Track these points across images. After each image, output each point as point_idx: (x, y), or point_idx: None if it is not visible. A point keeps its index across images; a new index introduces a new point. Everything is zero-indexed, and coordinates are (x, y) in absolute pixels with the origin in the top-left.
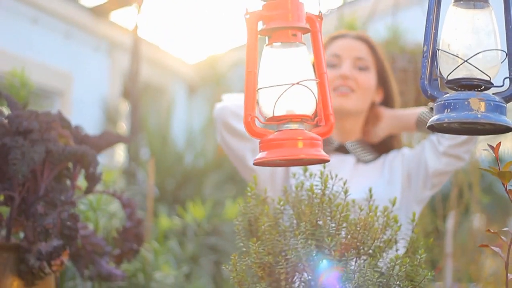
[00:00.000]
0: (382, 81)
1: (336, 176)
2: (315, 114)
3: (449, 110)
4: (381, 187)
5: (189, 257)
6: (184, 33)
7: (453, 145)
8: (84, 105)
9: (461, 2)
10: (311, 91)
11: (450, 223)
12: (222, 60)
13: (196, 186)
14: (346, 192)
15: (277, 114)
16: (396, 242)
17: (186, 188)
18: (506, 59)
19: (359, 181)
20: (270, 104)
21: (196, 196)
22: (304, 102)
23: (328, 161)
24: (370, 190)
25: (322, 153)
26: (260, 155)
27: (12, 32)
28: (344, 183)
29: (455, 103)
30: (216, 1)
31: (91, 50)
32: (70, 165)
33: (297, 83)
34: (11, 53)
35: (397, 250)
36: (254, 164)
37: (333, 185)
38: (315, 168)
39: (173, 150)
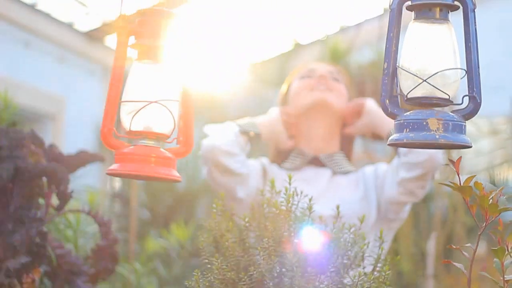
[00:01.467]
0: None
1: (302, 192)
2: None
3: (408, 130)
4: (356, 203)
5: (174, 278)
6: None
7: (407, 179)
8: (77, 129)
9: (421, 19)
10: (170, 111)
11: (432, 244)
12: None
13: (188, 209)
14: (310, 209)
15: (134, 128)
16: (363, 259)
17: (178, 212)
18: (466, 76)
19: (334, 195)
20: (128, 118)
21: (188, 219)
22: (162, 121)
23: (179, 181)
24: (337, 207)
25: (173, 173)
26: (113, 166)
27: (3, 56)
28: (310, 200)
29: (414, 123)
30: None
31: (85, 74)
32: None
33: (155, 101)
34: (2, 77)
35: (363, 267)
36: (107, 174)
37: (298, 202)
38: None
39: None
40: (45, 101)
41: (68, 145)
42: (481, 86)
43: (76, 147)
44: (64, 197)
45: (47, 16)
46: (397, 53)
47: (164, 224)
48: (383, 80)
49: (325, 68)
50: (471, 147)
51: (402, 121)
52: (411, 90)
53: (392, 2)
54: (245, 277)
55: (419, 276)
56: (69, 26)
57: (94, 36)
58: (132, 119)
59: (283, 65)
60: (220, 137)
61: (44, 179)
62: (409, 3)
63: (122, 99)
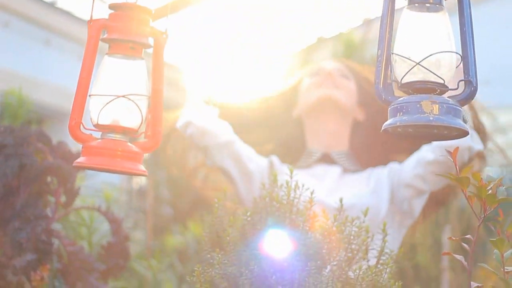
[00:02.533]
0: (364, 100)
1: (303, 186)
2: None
3: (401, 113)
4: (366, 196)
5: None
6: (205, 55)
7: (430, 161)
8: None
9: (415, 5)
10: (137, 105)
11: (447, 236)
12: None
13: (210, 206)
14: (311, 202)
15: (101, 122)
16: (367, 252)
17: (200, 208)
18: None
19: (344, 191)
20: (96, 111)
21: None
22: (129, 115)
23: (146, 175)
24: (341, 200)
25: (139, 167)
26: (80, 159)
27: (24, 54)
28: (311, 193)
29: (407, 106)
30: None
31: None
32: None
33: (123, 96)
34: (22, 75)
35: (368, 260)
36: (73, 166)
37: (300, 195)
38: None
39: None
40: (68, 99)
41: None
42: None
43: None
44: (71, 194)
45: (67, 14)
46: (391, 40)
47: (185, 220)
48: (377, 67)
49: (334, 66)
50: (467, 132)
51: (395, 106)
52: (405, 75)
53: None
54: (246, 271)
55: (436, 269)
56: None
57: None
58: (99, 113)
59: (305, 59)
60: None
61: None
62: None
63: (91, 93)
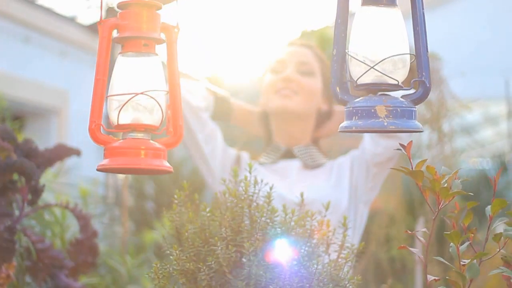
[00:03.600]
0: (328, 90)
1: (262, 181)
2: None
3: (356, 117)
4: (327, 189)
5: None
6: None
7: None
8: (81, 122)
9: (369, 4)
10: (157, 101)
11: (420, 229)
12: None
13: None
14: (269, 197)
15: (121, 122)
16: (328, 246)
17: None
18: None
19: (305, 185)
20: (115, 112)
21: None
22: (149, 112)
23: (171, 172)
24: (301, 195)
25: (164, 164)
26: (103, 161)
27: (3, 52)
28: (271, 188)
29: (362, 110)
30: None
31: (88, 67)
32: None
33: (141, 93)
34: (4, 73)
35: (329, 255)
36: (97, 170)
37: (259, 190)
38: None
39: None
40: (49, 95)
41: (72, 138)
42: None
43: (81, 140)
44: (35, 192)
45: (47, 11)
46: (345, 39)
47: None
48: (333, 66)
49: (295, 59)
50: (422, 131)
51: (351, 109)
52: (360, 77)
53: None
54: (204, 267)
55: (411, 261)
56: (71, 20)
57: (95, 29)
58: (119, 113)
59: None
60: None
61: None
62: None
63: (108, 94)
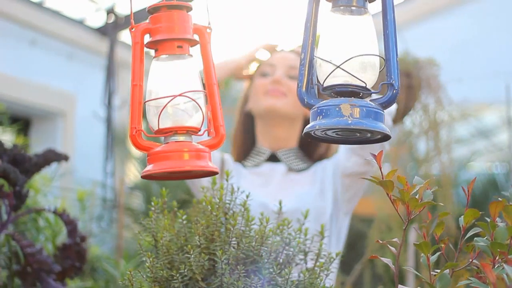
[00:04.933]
0: None
1: (239, 189)
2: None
3: (321, 117)
4: (310, 197)
5: None
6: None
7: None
8: (88, 125)
9: (340, 8)
10: (196, 102)
11: (412, 236)
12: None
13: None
14: (245, 204)
15: (162, 126)
16: (306, 255)
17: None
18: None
19: (288, 192)
20: (155, 117)
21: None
22: (189, 115)
23: (217, 173)
24: (280, 203)
25: (210, 165)
26: (147, 168)
27: (10, 55)
28: (247, 196)
29: (327, 109)
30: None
31: (96, 70)
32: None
33: (180, 95)
34: (11, 76)
35: (306, 262)
36: (142, 177)
37: (235, 198)
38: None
39: None
40: (56, 98)
41: (79, 141)
42: None
43: (87, 143)
44: (20, 197)
45: (54, 13)
46: (314, 44)
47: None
48: (300, 70)
49: (285, 63)
50: (389, 136)
51: (316, 109)
52: (326, 78)
53: None
54: (177, 275)
55: (402, 268)
56: (79, 23)
57: (105, 31)
58: (159, 117)
59: None
60: None
61: None
62: None
63: (146, 99)
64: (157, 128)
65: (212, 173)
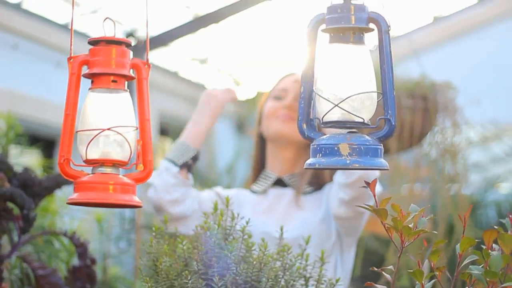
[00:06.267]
0: None
1: (238, 215)
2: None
3: (320, 155)
4: (314, 222)
5: None
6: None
7: (345, 200)
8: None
9: (337, 41)
10: (124, 137)
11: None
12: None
13: None
14: (243, 230)
15: (90, 157)
16: (307, 280)
17: None
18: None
19: (293, 219)
20: (84, 147)
21: None
22: (118, 148)
23: (141, 207)
24: (281, 229)
25: (134, 199)
26: (73, 195)
27: (34, 76)
28: (247, 222)
29: (326, 148)
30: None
31: None
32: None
33: (108, 129)
34: (35, 97)
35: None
36: (67, 203)
37: (235, 224)
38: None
39: None
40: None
41: None
42: None
43: None
44: (28, 221)
45: (78, 34)
46: (313, 76)
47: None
48: (300, 103)
49: (297, 87)
50: (387, 169)
51: (315, 146)
52: (325, 114)
53: (308, 24)
54: None
55: None
56: None
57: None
58: (87, 148)
59: None
60: (162, 186)
61: None
62: (324, 26)
63: (78, 129)
64: (85, 158)
65: (135, 207)
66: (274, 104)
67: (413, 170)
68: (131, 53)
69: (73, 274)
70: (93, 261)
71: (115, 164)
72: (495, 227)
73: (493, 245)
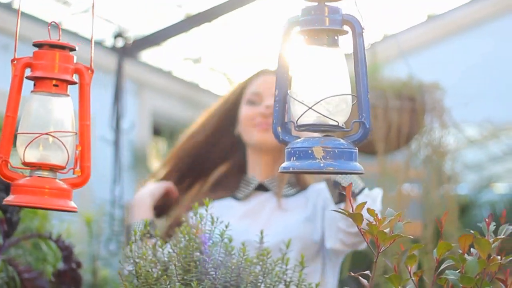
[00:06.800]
0: None
1: (218, 219)
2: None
3: (294, 158)
4: (300, 225)
5: None
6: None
7: (347, 233)
8: (107, 145)
9: (311, 43)
10: (61, 142)
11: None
12: None
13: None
14: (222, 235)
15: (27, 160)
16: (287, 284)
17: None
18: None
19: (276, 224)
20: (23, 149)
21: None
22: (55, 152)
23: (76, 211)
24: (261, 233)
25: (69, 204)
26: (9, 197)
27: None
28: (226, 226)
29: (300, 151)
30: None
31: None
32: None
33: (46, 133)
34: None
35: None
36: (3, 203)
37: (215, 228)
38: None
39: None
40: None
41: (98, 161)
42: None
43: (108, 163)
44: (11, 224)
45: (71, 34)
46: (287, 79)
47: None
48: (274, 106)
49: (271, 91)
50: (362, 173)
51: (290, 149)
52: (299, 118)
53: (283, 26)
54: None
55: None
56: (98, 44)
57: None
58: (25, 151)
59: None
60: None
61: None
62: (298, 28)
63: (18, 131)
64: (23, 161)
65: (70, 211)
66: (249, 110)
67: (403, 171)
68: (74, 57)
69: (58, 277)
70: (79, 265)
71: (52, 168)
72: (471, 231)
73: (471, 249)
